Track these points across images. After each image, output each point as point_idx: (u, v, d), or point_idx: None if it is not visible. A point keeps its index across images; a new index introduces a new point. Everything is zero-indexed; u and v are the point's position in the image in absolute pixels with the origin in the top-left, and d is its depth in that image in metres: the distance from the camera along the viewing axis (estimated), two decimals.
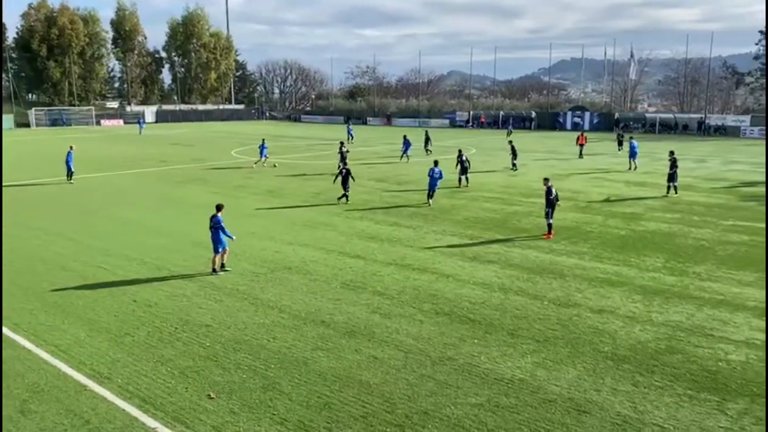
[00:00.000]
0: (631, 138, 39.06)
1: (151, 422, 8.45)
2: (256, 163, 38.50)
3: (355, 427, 8.30)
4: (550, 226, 19.09)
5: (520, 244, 18.32)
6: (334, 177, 26.48)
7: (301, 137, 65.93)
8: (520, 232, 19.91)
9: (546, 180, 19.54)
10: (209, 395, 9.16)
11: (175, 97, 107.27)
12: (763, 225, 20.80)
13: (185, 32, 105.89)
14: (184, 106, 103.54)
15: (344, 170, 25.46)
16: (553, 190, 19.05)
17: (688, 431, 8.21)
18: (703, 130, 67.40)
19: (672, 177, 26.77)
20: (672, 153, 27.22)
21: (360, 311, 12.66)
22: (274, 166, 37.54)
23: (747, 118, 68.86)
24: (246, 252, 17.20)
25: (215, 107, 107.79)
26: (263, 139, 40.72)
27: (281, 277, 14.99)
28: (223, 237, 15.19)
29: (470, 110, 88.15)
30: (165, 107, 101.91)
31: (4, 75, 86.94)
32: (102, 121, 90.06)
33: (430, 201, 24.67)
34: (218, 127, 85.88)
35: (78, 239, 18.90)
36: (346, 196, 25.13)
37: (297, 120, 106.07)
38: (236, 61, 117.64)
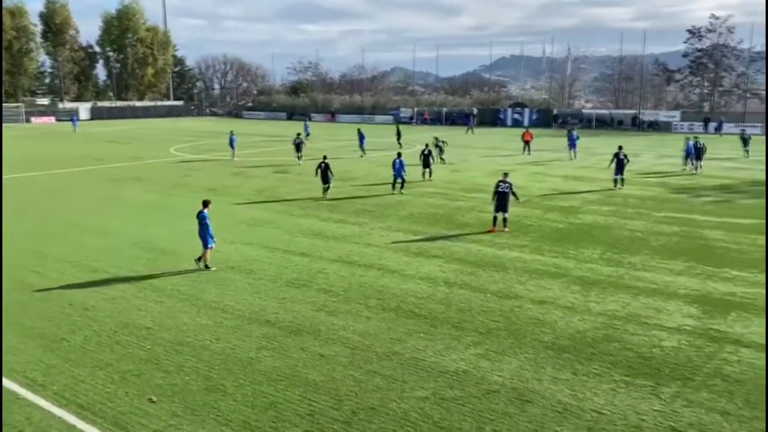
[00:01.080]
0: (571, 130, 40.54)
1: (89, 429, 8.18)
2: (234, 157, 39.36)
3: (302, 426, 8.26)
4: (494, 219, 19.44)
5: (463, 238, 18.58)
6: (315, 170, 26.00)
7: (243, 134, 64.85)
8: (464, 226, 20.20)
9: (505, 175, 20.31)
10: (150, 399, 8.94)
11: (111, 94, 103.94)
12: (693, 216, 21.75)
13: (120, 26, 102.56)
14: (120, 103, 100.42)
15: (323, 164, 25.25)
16: (503, 185, 19.48)
17: (625, 416, 8.52)
18: (637, 125, 69.87)
19: (620, 170, 27.46)
20: (620, 148, 27.58)
21: (305, 309, 12.59)
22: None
23: (678, 114, 71.87)
24: (186, 252, 16.83)
25: (153, 103, 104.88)
26: (231, 131, 41.92)
27: (224, 277, 14.74)
28: (207, 233, 15.12)
29: (414, 107, 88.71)
30: (100, 104, 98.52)
31: None
32: (32, 119, 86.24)
33: (395, 190, 26.45)
34: (156, 123, 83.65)
35: (9, 242, 18.08)
36: (326, 189, 25.39)
37: (238, 116, 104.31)
38: (174, 56, 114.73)
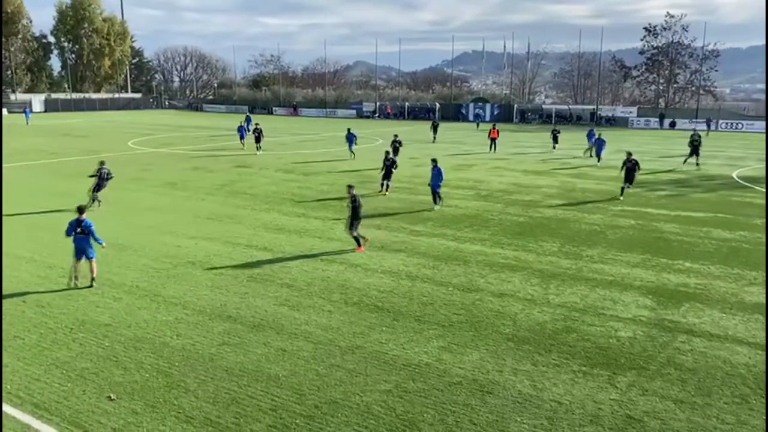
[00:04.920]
0: (592, 129, 39.71)
1: (46, 428, 8.00)
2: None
3: (264, 421, 8.23)
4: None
5: (426, 232, 18.70)
6: (380, 169, 25.42)
7: (204, 127, 64.00)
8: (426, 220, 20.32)
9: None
10: (109, 397, 8.78)
11: (66, 85, 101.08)
12: (648, 209, 22.32)
13: (75, 16, 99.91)
14: (75, 95, 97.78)
15: (389, 160, 24.98)
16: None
17: (583, 405, 8.73)
18: (595, 120, 71.28)
19: (629, 178, 24.48)
20: (629, 155, 24.76)
21: (268, 304, 12.51)
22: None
23: (634, 110, 73.63)
24: (145, 247, 16.55)
25: (110, 96, 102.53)
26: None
27: (184, 273, 14.54)
28: (93, 244, 13.31)
29: (376, 101, 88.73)
30: (55, 96, 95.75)
31: None
32: None
33: (435, 206, 22.20)
34: (114, 116, 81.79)
35: None
36: (384, 186, 25.00)
37: (199, 109, 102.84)
38: (132, 47, 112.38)
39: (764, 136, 39.56)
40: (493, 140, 41.77)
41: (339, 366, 9.82)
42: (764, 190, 26.91)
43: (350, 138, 36.73)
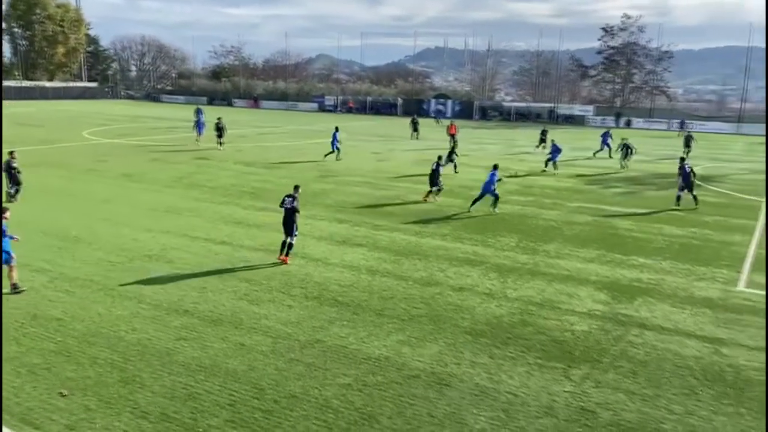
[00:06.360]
0: (607, 131, 38.78)
1: None
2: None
3: (222, 416, 8.16)
4: None
5: (387, 227, 18.76)
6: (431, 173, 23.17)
7: (161, 118, 62.76)
8: (388, 215, 20.38)
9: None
10: (61, 393, 8.58)
11: (17, 73, 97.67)
12: (604, 206, 22.84)
13: (27, 1, 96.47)
14: (28, 83, 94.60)
15: (437, 164, 22.85)
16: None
17: (538, 397, 8.91)
18: (553, 118, 72.50)
19: (689, 186, 22.80)
20: (683, 160, 23.72)
21: (226, 299, 12.38)
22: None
23: (591, 108, 75.07)
24: (100, 240, 16.18)
25: (65, 84, 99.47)
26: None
27: (141, 266, 14.27)
28: (7, 245, 12.03)
29: (339, 95, 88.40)
30: (6, 83, 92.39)
31: None
32: None
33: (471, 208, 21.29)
34: (69, 106, 79.49)
35: None
36: (435, 191, 22.89)
37: (157, 100, 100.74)
38: (87, 35, 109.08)
39: (716, 136, 40.79)
40: (452, 136, 41.87)
41: (298, 360, 9.79)
42: (716, 188, 27.82)
43: (335, 136, 33.77)
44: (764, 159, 40.44)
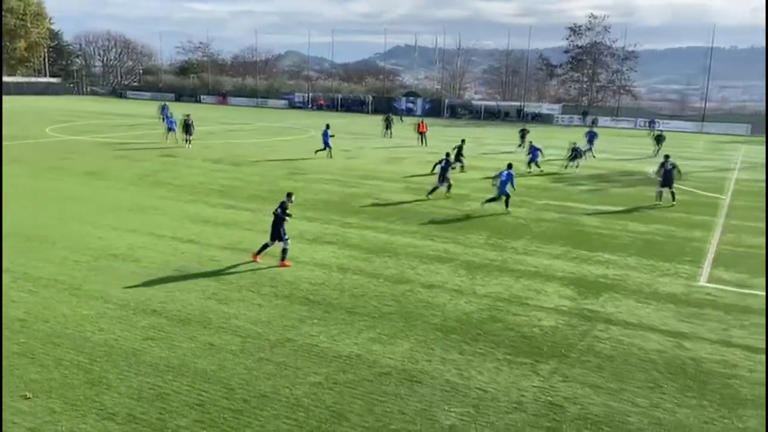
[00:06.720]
0: (591, 128, 38.95)
1: None
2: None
3: (191, 416, 8.08)
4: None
5: (358, 224, 18.76)
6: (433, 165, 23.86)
7: (127, 114, 61.71)
8: (358, 213, 20.38)
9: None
10: (25, 395, 8.39)
11: None
12: (570, 203, 23.18)
13: None
14: None
15: (444, 160, 23.22)
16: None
17: (507, 392, 9.01)
18: (522, 117, 73.25)
19: (669, 183, 23.45)
20: (667, 158, 23.97)
21: (194, 298, 12.24)
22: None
23: (559, 107, 76.06)
24: (64, 239, 15.85)
25: (27, 80, 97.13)
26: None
27: (106, 266, 14.02)
28: None
29: (308, 92, 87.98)
30: None
31: None
32: None
33: (508, 209, 21.22)
34: (31, 102, 77.56)
35: None
36: (444, 189, 23.19)
37: (123, 96, 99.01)
38: (50, 29, 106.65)
39: (679, 134, 41.68)
40: (422, 134, 42.01)
41: (268, 359, 9.74)
42: (679, 186, 28.40)
43: (326, 134, 33.52)
44: (726, 158, 41.52)
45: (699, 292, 13.74)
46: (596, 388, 9.23)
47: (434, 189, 23.13)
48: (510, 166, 21.79)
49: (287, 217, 14.35)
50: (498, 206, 21.52)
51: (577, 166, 31.95)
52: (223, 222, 18.50)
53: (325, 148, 33.39)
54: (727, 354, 10.53)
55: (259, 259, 14.57)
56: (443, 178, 23.02)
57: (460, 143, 30.68)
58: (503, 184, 21.03)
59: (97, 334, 10.41)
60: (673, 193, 23.54)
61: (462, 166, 29.73)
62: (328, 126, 33.91)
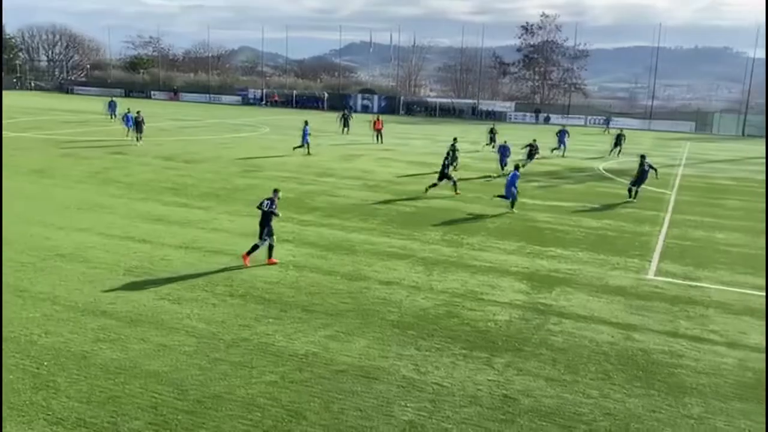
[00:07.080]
0: (562, 129, 39.25)
1: None
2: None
3: (144, 418, 7.91)
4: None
5: (314, 222, 18.66)
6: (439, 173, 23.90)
7: (74, 110, 59.89)
8: (314, 210, 20.27)
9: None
10: None
11: None
12: (524, 199, 23.53)
13: None
14: None
15: (448, 165, 24.12)
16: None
17: (463, 387, 9.11)
18: (476, 114, 74.09)
19: (640, 182, 24.32)
20: (643, 158, 24.54)
21: (146, 298, 11.98)
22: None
23: (512, 104, 77.22)
24: (8, 239, 15.29)
25: None
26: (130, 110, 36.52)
27: (53, 266, 13.59)
28: None
29: (263, 88, 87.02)
30: None
31: None
32: None
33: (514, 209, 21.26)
34: None
35: None
36: (451, 184, 23.86)
37: (70, 91, 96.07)
38: None
39: (627, 131, 42.77)
40: (378, 131, 41.96)
41: (223, 360, 9.61)
42: (625, 181, 29.20)
43: (305, 131, 33.71)
44: (671, 154, 42.89)
45: (647, 285, 14.16)
46: (549, 380, 9.41)
47: (434, 185, 23.88)
48: (517, 167, 22.10)
49: (276, 215, 14.22)
50: (453, 203, 21.71)
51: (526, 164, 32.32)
52: (176, 220, 18.15)
53: (302, 145, 33.52)
54: (674, 344, 10.89)
55: (247, 261, 14.21)
56: (443, 176, 23.73)
57: (453, 142, 30.51)
58: (507, 185, 21.30)
59: (44, 337, 10.09)
60: (637, 192, 24.31)
61: (455, 166, 29.44)
62: (307, 123, 34.19)
